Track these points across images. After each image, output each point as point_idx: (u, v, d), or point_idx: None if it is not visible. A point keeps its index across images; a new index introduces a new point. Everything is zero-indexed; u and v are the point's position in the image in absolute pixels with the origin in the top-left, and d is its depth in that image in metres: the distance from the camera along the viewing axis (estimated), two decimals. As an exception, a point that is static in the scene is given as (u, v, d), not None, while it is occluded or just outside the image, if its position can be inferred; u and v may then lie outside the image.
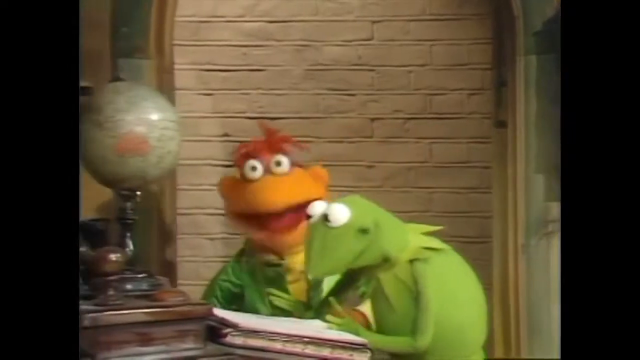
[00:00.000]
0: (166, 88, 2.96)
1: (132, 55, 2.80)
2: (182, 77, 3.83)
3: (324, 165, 3.87)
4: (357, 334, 2.13)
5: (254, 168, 2.51)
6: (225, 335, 1.92)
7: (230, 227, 3.77)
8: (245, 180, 2.53)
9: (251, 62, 3.86)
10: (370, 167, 3.91)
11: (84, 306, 1.78)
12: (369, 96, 3.91)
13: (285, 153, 2.56)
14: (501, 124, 3.09)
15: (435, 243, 2.28)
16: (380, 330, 2.26)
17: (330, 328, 2.13)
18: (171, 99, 3.01)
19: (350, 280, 2.42)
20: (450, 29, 3.83)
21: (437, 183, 3.86)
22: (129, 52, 2.80)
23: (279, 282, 2.51)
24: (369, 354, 2.03)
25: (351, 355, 1.99)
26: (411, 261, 2.21)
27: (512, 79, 2.96)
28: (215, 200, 3.86)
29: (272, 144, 2.56)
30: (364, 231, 2.16)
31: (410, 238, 2.26)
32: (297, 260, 2.53)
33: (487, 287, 2.76)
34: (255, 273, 2.54)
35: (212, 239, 3.79)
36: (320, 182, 2.61)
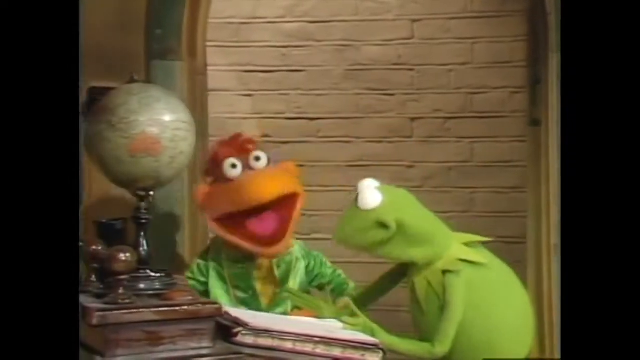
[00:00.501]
0: (199, 90, 2.99)
1: (164, 57, 2.84)
2: (223, 78, 3.88)
3: (363, 165, 3.92)
4: (372, 334, 2.12)
5: (234, 165, 2.45)
6: (236, 334, 1.93)
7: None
8: (224, 180, 2.46)
9: (291, 63, 3.89)
10: (410, 167, 3.89)
11: (95, 304, 1.82)
12: (408, 96, 3.89)
13: (259, 149, 2.54)
14: (535, 122, 3.02)
15: (474, 256, 2.22)
16: (414, 328, 2.26)
17: (345, 328, 2.12)
18: (204, 101, 3.05)
19: (385, 284, 2.40)
20: (492, 26, 3.78)
21: (478, 183, 3.82)
22: (162, 54, 2.84)
23: (246, 279, 2.50)
24: (381, 354, 2.01)
25: (363, 355, 1.98)
26: (444, 271, 2.19)
27: (545, 77, 2.90)
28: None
29: (241, 144, 2.54)
30: (382, 225, 2.16)
31: (450, 247, 2.22)
32: (265, 263, 2.53)
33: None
34: (222, 271, 2.51)
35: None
36: (293, 176, 2.59)
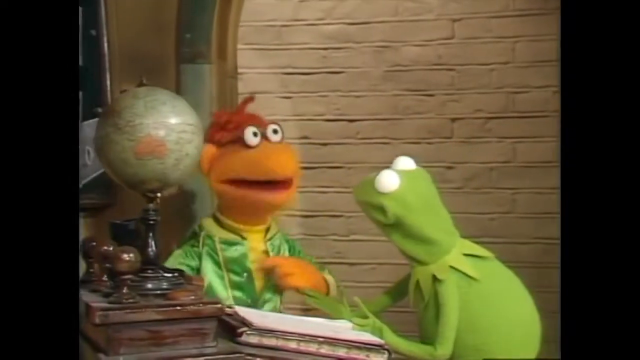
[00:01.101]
0: (229, 92, 3.03)
1: (194, 60, 2.89)
2: (263, 80, 3.92)
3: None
4: (380, 334, 2.12)
5: (255, 134, 2.48)
6: (241, 334, 1.95)
7: (310, 228, 3.86)
8: (239, 146, 2.47)
9: (330, 65, 3.90)
10: (449, 168, 3.86)
11: (98, 303, 1.86)
12: (448, 96, 3.86)
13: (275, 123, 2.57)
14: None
15: (467, 267, 2.21)
16: (418, 323, 2.26)
17: (354, 329, 2.13)
18: (234, 103, 3.08)
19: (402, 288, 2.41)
20: (533, 25, 3.72)
21: (519, 184, 3.76)
22: (191, 57, 2.89)
23: (241, 261, 2.50)
24: (386, 355, 2.00)
25: (367, 355, 1.97)
26: (434, 277, 2.19)
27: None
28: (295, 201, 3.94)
29: (252, 115, 2.58)
30: (382, 210, 2.18)
31: (449, 253, 2.22)
32: (257, 238, 2.55)
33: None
34: (216, 255, 2.51)
35: (290, 240, 3.86)
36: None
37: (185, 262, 2.50)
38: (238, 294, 2.46)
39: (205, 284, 2.41)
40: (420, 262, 2.23)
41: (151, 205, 2.02)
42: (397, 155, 3.83)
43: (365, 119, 3.88)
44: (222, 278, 2.49)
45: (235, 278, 2.48)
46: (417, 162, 3.82)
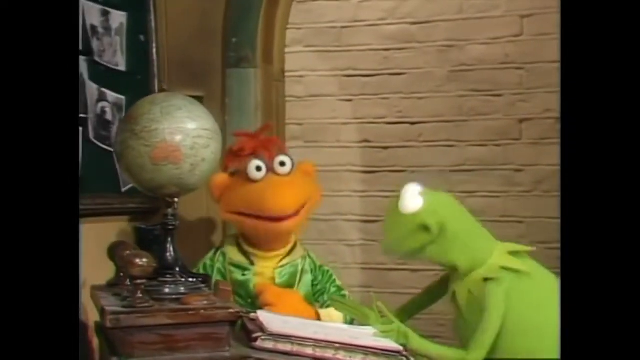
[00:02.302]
0: (275, 96, 3.01)
1: (239, 65, 2.88)
2: (324, 83, 3.87)
3: (467, 170, 3.78)
4: (406, 339, 2.05)
5: (259, 168, 2.42)
6: (256, 339, 1.93)
7: (369, 234, 3.79)
8: (246, 180, 2.43)
9: (392, 66, 3.81)
10: (518, 170, 3.71)
11: (112, 307, 1.87)
12: (517, 96, 3.70)
13: (285, 153, 2.48)
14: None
15: (516, 264, 2.12)
16: (455, 337, 2.19)
17: (377, 335, 2.06)
18: (281, 107, 3.07)
19: (429, 296, 2.34)
20: (607, 20, 3.54)
21: (593, 187, 3.58)
22: (237, 62, 2.88)
23: (246, 286, 2.45)
24: None
25: None
26: (485, 279, 2.11)
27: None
28: (355, 206, 3.87)
29: (266, 143, 2.49)
30: (424, 228, 2.11)
31: (493, 255, 2.14)
32: (267, 265, 2.48)
33: None
34: (224, 274, 2.47)
35: (350, 246, 3.79)
36: (312, 178, 2.52)
37: None
38: None
39: None
40: (467, 272, 2.15)
41: (170, 210, 2.02)
42: (462, 158, 3.81)
43: (428, 121, 3.77)
44: None
45: (240, 301, 2.46)
46: (483, 164, 3.81)
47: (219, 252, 2.53)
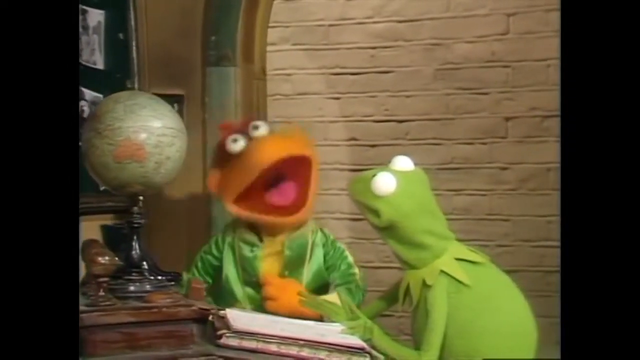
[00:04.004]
0: (256, 95, 3.00)
1: (219, 63, 2.88)
2: (311, 81, 3.89)
3: (454, 168, 3.78)
4: (371, 334, 2.05)
5: (235, 140, 2.35)
6: (221, 336, 1.92)
7: (358, 232, 3.79)
8: (231, 159, 2.36)
9: (379, 64, 3.82)
10: (504, 169, 3.71)
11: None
12: (503, 94, 3.71)
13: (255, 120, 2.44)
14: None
15: (457, 272, 2.11)
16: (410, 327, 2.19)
17: (344, 331, 2.06)
18: (263, 105, 3.06)
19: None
20: (593, 18, 3.52)
21: (578, 185, 3.57)
22: (216, 60, 2.88)
23: (252, 262, 2.39)
24: (367, 358, 1.93)
25: (349, 359, 1.91)
26: (424, 282, 2.11)
27: None
28: (343, 204, 3.87)
29: (243, 122, 2.45)
30: (376, 213, 2.12)
31: (441, 257, 2.13)
32: (277, 240, 2.41)
33: None
34: (234, 249, 2.44)
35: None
36: (301, 139, 2.45)
37: (210, 251, 2.45)
38: (251, 291, 2.41)
39: (224, 275, 2.40)
40: (412, 266, 2.14)
41: (135, 208, 2.01)
42: (449, 157, 3.81)
43: (415, 119, 3.78)
44: (237, 273, 2.45)
45: (246, 277, 2.43)
46: (469, 162, 3.81)
47: (229, 227, 2.47)
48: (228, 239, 2.44)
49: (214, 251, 2.45)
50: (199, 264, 2.44)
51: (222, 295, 2.34)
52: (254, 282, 2.40)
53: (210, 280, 2.41)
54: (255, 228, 2.42)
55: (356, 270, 2.47)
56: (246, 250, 2.41)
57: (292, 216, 2.36)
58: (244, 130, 2.37)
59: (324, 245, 2.48)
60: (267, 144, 2.33)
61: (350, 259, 2.48)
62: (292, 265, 2.40)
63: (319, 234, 2.48)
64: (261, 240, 2.43)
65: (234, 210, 2.37)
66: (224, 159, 2.40)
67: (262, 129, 2.36)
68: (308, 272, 2.41)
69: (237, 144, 2.33)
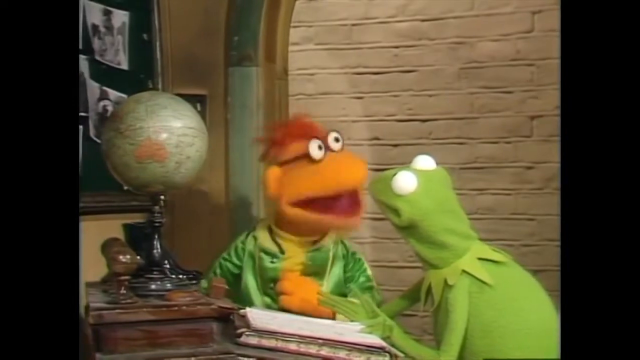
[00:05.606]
0: (278, 94, 3.01)
1: (241, 63, 2.89)
2: (334, 81, 3.89)
3: (478, 167, 3.76)
4: (391, 333, 2.05)
5: (320, 147, 2.31)
6: (240, 335, 1.94)
7: (381, 231, 3.78)
8: (305, 164, 2.31)
9: (402, 63, 3.81)
10: (529, 168, 3.68)
11: (97, 304, 1.90)
12: (528, 92, 3.68)
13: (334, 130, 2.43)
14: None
15: (478, 272, 2.09)
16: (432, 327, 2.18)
17: (364, 330, 2.06)
18: (284, 105, 3.06)
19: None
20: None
21: (604, 184, 3.53)
22: (239, 60, 2.89)
23: (272, 273, 2.38)
24: (387, 358, 1.93)
25: (368, 358, 1.90)
26: (446, 281, 2.10)
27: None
28: (366, 204, 3.86)
29: (308, 125, 2.42)
30: (397, 212, 2.12)
31: (463, 257, 2.12)
32: (298, 250, 2.39)
33: None
34: (254, 259, 2.43)
35: (361, 243, 3.78)
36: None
37: (230, 259, 2.46)
38: (268, 300, 2.42)
39: (243, 284, 2.41)
40: (433, 266, 2.14)
41: (156, 208, 2.03)
42: (472, 156, 3.79)
43: (439, 118, 3.76)
44: (257, 283, 2.45)
45: (266, 287, 2.43)
46: (494, 162, 3.78)
47: (250, 236, 2.47)
48: (249, 248, 2.44)
49: (234, 259, 2.46)
50: (218, 270, 2.45)
51: (240, 302, 2.35)
52: (273, 292, 2.40)
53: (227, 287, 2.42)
54: (276, 239, 2.43)
55: (374, 283, 2.49)
56: (266, 261, 2.41)
57: (354, 218, 2.36)
58: (320, 135, 2.35)
59: (344, 257, 2.49)
60: (355, 164, 2.34)
61: (369, 272, 2.50)
62: (312, 277, 2.40)
63: (340, 245, 2.48)
64: (282, 252, 2.43)
65: (291, 212, 2.34)
66: (283, 156, 2.37)
67: (340, 142, 2.37)
68: (327, 284, 2.42)
69: (321, 152, 2.31)
